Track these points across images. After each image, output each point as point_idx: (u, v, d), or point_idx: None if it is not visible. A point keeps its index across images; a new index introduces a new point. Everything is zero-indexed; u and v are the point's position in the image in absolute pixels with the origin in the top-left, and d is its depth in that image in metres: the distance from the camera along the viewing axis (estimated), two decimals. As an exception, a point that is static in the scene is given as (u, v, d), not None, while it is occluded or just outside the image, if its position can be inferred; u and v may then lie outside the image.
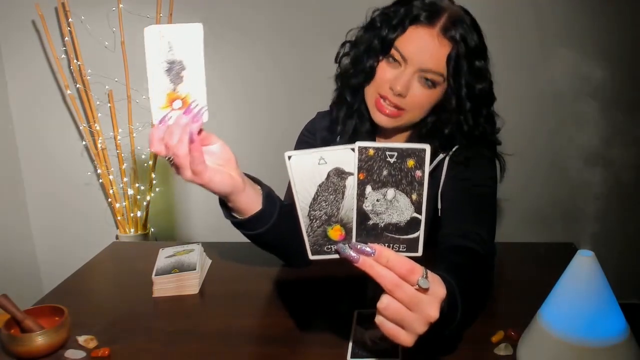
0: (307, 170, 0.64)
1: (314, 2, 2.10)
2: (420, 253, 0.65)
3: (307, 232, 0.66)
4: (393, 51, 1.03)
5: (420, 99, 1.03)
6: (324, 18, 2.08)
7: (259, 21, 2.16)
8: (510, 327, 0.87)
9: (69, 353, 0.87)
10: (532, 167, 2.18)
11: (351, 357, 0.82)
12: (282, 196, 1.18)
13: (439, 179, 1.08)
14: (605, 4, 2.04)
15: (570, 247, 1.21)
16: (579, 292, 0.71)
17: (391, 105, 1.04)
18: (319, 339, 0.88)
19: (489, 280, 0.96)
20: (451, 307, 0.71)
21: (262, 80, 2.23)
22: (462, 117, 1.05)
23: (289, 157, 0.63)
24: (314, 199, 0.64)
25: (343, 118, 1.15)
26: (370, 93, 1.08)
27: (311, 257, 0.67)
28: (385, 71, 1.04)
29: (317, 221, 0.65)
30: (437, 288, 0.63)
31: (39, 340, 0.84)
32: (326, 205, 0.65)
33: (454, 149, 1.07)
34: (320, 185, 0.64)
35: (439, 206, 1.07)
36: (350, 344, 0.84)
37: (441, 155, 1.08)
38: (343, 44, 1.15)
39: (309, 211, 0.65)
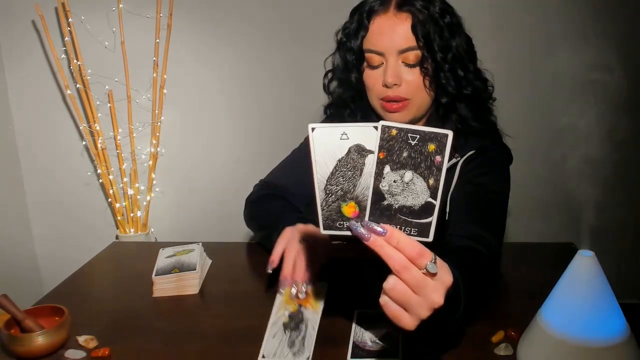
0: (328, 144, 0.64)
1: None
2: (431, 239, 0.64)
3: (321, 205, 0.65)
4: (367, 55, 1.06)
5: (415, 82, 1.04)
6: (329, 13, 2.07)
7: (261, 17, 2.15)
8: (510, 327, 0.87)
9: (69, 353, 0.87)
10: (533, 166, 2.18)
11: (351, 357, 0.82)
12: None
13: (451, 183, 1.08)
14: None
15: (570, 247, 1.21)
16: (579, 292, 0.71)
17: (395, 99, 1.05)
18: (319, 339, 0.88)
19: (492, 281, 0.96)
20: (455, 298, 0.71)
21: (266, 75, 2.22)
22: (444, 78, 1.04)
23: (312, 129, 0.63)
24: (332, 174, 0.64)
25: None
26: (374, 102, 1.10)
27: (323, 231, 0.67)
28: (372, 76, 1.07)
29: (333, 196, 0.65)
30: (445, 275, 0.63)
31: (39, 340, 0.84)
32: (343, 180, 0.64)
33: (467, 154, 1.07)
34: (339, 160, 0.64)
35: (447, 209, 1.06)
36: (350, 344, 0.84)
37: (454, 160, 1.07)
38: (326, 74, 1.18)
39: (326, 185, 0.65)
